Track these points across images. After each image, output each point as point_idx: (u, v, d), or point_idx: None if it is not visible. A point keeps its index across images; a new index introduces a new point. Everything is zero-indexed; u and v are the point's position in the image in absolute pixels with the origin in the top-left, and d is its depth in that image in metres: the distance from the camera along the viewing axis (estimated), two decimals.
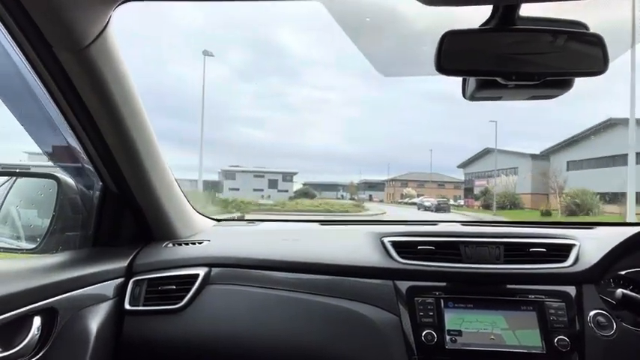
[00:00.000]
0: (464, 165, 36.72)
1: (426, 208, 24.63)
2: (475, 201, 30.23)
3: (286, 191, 36.34)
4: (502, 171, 29.18)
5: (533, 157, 27.97)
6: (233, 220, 2.13)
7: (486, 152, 32.63)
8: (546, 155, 26.54)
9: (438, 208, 23.62)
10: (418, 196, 34.48)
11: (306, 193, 34.64)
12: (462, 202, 32.61)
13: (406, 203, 33.57)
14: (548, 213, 20.16)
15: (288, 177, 40.03)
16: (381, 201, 41.73)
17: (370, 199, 42.43)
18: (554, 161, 24.98)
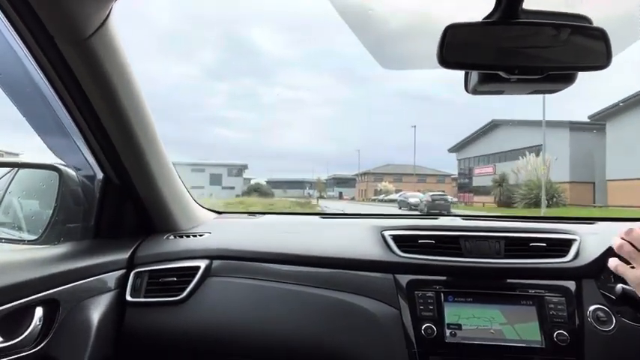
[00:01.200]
0: (457, 148, 27.94)
1: (412, 207, 17.31)
2: (475, 195, 23.14)
3: (232, 188, 29.70)
4: (518, 152, 19.19)
5: (575, 126, 19.06)
6: (234, 212, 2.13)
7: (493, 127, 24.16)
8: (599, 121, 17.63)
9: (433, 207, 15.58)
10: (397, 191, 28.27)
11: (257, 190, 28.00)
12: (452, 197, 22.60)
13: (382, 201, 27.32)
14: None
15: (234, 170, 33.15)
16: (353, 199, 36.02)
17: (340, 197, 37.64)
18: (615, 130, 15.85)
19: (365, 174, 37.17)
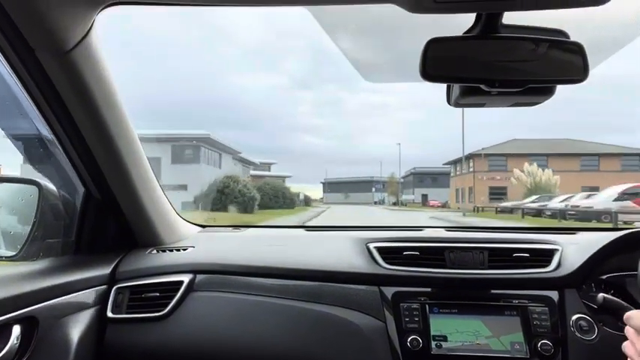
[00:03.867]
0: None
1: None
2: None
3: (183, 188, 16.06)
4: None
5: None
6: (218, 226, 2.11)
7: None
8: None
9: None
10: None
11: (223, 192, 13.71)
12: None
13: (531, 214, 13.39)
14: None
15: (186, 152, 18.57)
16: (444, 205, 21.67)
17: (425, 202, 23.84)
18: None
19: (472, 157, 19.93)
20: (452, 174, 22.96)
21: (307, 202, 21.98)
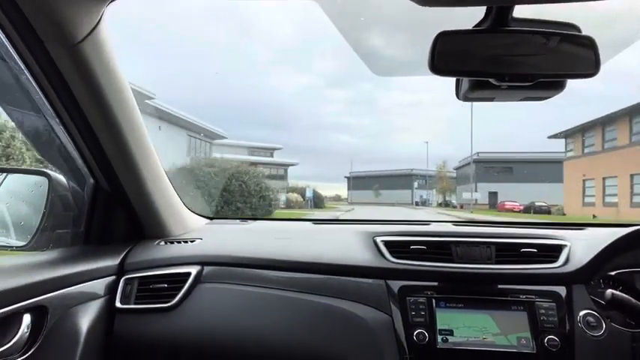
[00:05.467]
0: None
1: None
2: None
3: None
4: None
5: None
6: (226, 218, 2.12)
7: None
8: None
9: None
10: None
11: None
12: None
13: None
14: None
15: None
16: (531, 209, 14.82)
17: (495, 205, 17.61)
18: None
19: (617, 116, 11.96)
20: (572, 152, 13.74)
21: (318, 203, 17.94)
